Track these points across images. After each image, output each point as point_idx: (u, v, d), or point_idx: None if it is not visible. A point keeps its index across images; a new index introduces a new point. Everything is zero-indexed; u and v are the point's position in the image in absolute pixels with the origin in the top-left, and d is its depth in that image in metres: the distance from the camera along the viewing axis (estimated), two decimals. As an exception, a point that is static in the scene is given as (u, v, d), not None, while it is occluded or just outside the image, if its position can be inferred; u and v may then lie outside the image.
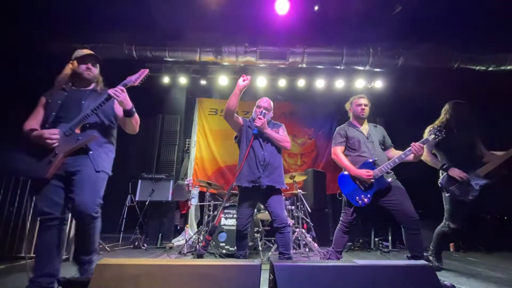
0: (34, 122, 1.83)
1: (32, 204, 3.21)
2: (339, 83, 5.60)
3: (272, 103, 2.64)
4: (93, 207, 1.71)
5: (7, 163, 1.80)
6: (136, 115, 1.97)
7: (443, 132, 2.37)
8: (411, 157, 2.32)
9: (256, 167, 2.35)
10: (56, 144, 1.71)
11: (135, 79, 1.94)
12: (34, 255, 2.30)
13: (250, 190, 2.34)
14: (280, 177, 2.43)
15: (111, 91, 1.80)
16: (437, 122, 2.78)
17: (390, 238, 4.24)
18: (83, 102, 1.87)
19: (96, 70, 2.01)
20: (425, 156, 2.54)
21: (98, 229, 1.82)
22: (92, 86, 2.00)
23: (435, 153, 2.85)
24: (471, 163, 2.62)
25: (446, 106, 2.84)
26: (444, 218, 2.74)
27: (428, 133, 2.43)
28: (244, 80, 2.33)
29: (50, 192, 1.73)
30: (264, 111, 2.46)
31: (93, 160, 1.79)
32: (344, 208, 2.50)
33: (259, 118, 2.39)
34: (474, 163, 2.63)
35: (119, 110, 1.97)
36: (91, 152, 1.81)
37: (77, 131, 1.78)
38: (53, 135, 1.71)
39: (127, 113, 1.91)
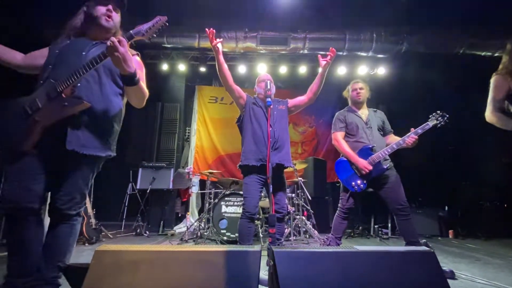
0: (23, 58, 1.44)
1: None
2: (341, 70, 5.49)
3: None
4: (74, 208, 1.33)
5: None
6: (141, 84, 1.38)
7: (446, 118, 2.29)
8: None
9: (264, 144, 2.12)
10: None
11: (146, 30, 1.37)
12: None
13: (258, 169, 2.14)
14: (288, 155, 2.26)
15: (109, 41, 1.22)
16: (501, 67, 1.95)
17: (389, 225, 4.27)
18: (83, 53, 1.35)
19: (117, 18, 1.48)
20: (490, 117, 1.89)
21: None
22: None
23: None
24: None
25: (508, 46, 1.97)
26: None
27: (430, 119, 2.34)
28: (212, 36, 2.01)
29: (26, 169, 1.25)
30: (268, 81, 2.13)
31: (78, 139, 1.27)
32: (341, 193, 2.52)
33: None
34: None
35: None
36: (78, 126, 1.28)
37: (66, 93, 1.24)
38: None
39: (127, 81, 1.33)
